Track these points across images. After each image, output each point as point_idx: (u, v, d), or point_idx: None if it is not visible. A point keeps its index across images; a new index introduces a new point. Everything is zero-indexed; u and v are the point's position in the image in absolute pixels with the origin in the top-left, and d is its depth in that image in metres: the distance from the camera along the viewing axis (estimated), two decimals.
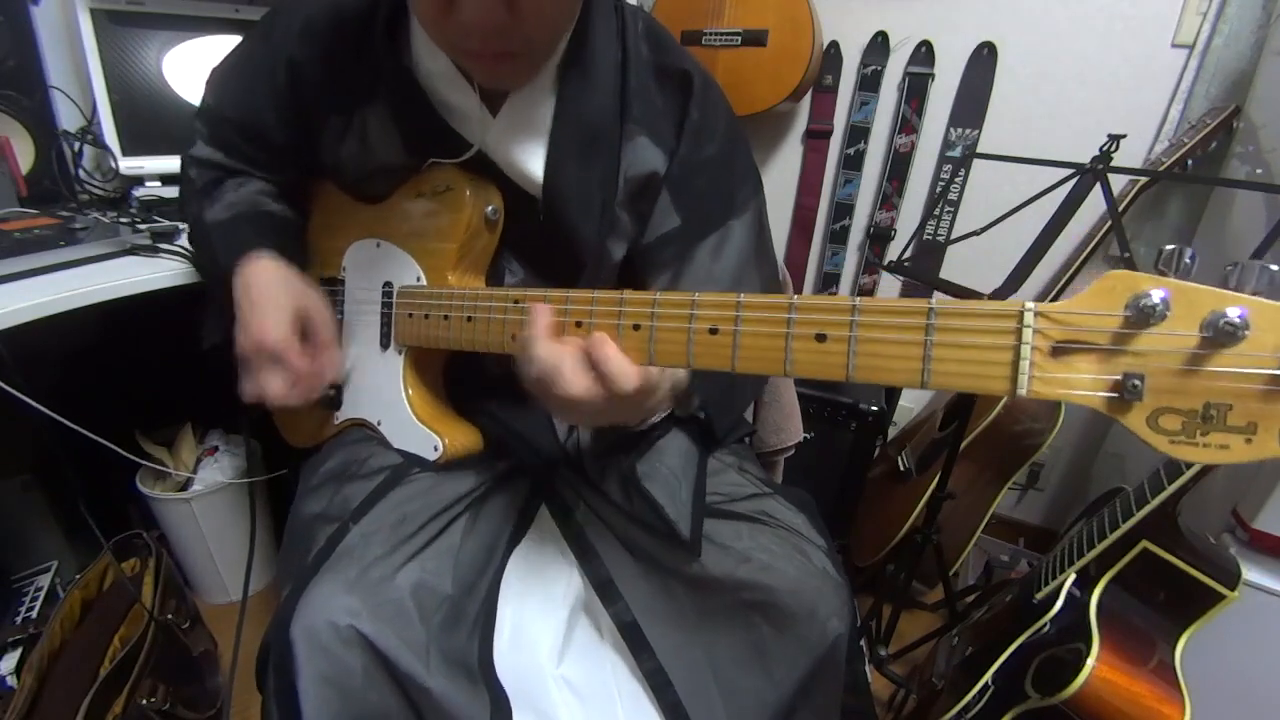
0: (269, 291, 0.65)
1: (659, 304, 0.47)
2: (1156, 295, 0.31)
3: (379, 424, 0.72)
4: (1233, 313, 0.30)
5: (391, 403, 0.70)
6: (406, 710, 0.54)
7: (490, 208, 0.66)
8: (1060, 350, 0.34)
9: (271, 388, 0.63)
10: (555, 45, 0.60)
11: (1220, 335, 0.30)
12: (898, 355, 0.38)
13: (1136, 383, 0.32)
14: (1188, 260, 0.33)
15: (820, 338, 0.40)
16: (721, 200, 0.69)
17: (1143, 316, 0.32)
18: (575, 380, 0.48)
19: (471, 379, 0.74)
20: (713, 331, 0.45)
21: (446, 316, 0.63)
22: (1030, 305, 0.34)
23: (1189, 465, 0.73)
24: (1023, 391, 0.34)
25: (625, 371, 0.47)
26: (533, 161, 0.64)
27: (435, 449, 0.67)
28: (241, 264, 0.66)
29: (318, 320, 0.67)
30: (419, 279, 0.68)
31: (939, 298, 0.37)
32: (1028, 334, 0.34)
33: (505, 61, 0.55)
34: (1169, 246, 0.34)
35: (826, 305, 0.40)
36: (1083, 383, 0.34)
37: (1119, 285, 0.33)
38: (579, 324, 0.51)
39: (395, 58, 0.64)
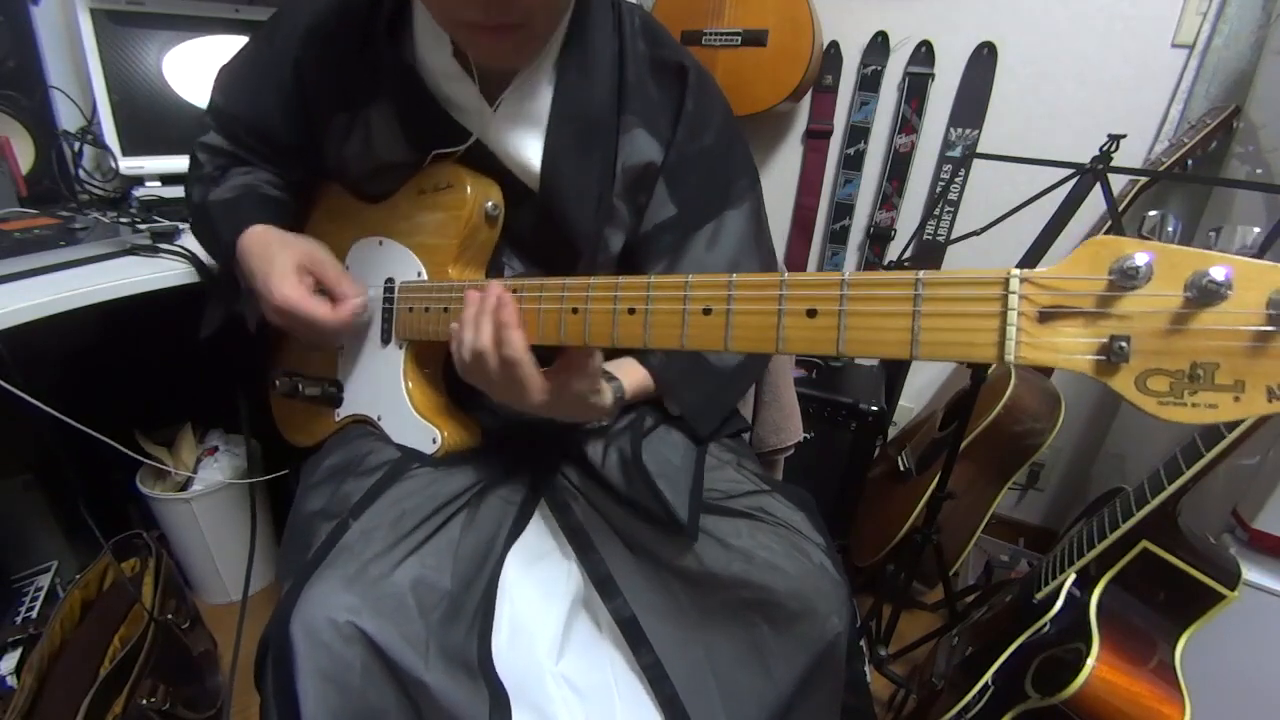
0: (267, 255, 0.66)
1: (653, 287, 0.47)
2: (1140, 258, 0.31)
3: (379, 419, 0.72)
4: (1216, 272, 0.30)
5: (392, 397, 0.71)
6: (406, 706, 0.54)
7: (490, 204, 0.66)
8: (1047, 315, 0.34)
9: (310, 338, 0.66)
10: (555, 20, 0.60)
11: (1204, 295, 0.30)
12: (887, 327, 0.38)
13: (1123, 345, 0.32)
14: (1170, 228, 0.34)
15: (811, 313, 0.41)
16: (717, 191, 0.69)
17: (1127, 279, 0.32)
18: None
19: None
20: (706, 312, 0.45)
21: (446, 309, 0.64)
22: (1016, 272, 0.34)
23: (1188, 466, 0.73)
24: (1010, 358, 0.34)
25: (514, 340, 0.52)
26: (531, 152, 0.65)
27: (434, 441, 0.67)
28: (241, 239, 0.68)
29: (320, 262, 0.68)
30: (420, 274, 0.69)
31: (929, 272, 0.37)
32: (1014, 300, 0.34)
33: (505, 35, 0.55)
34: (1152, 213, 0.34)
35: (816, 281, 0.41)
36: (1070, 346, 0.34)
37: (1103, 250, 0.33)
38: (575, 310, 0.51)
39: (397, 54, 0.65)
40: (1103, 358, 0.33)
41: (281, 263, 0.65)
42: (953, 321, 0.36)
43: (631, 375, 0.66)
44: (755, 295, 0.43)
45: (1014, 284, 0.34)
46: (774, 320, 0.42)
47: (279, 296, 0.64)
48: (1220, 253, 0.31)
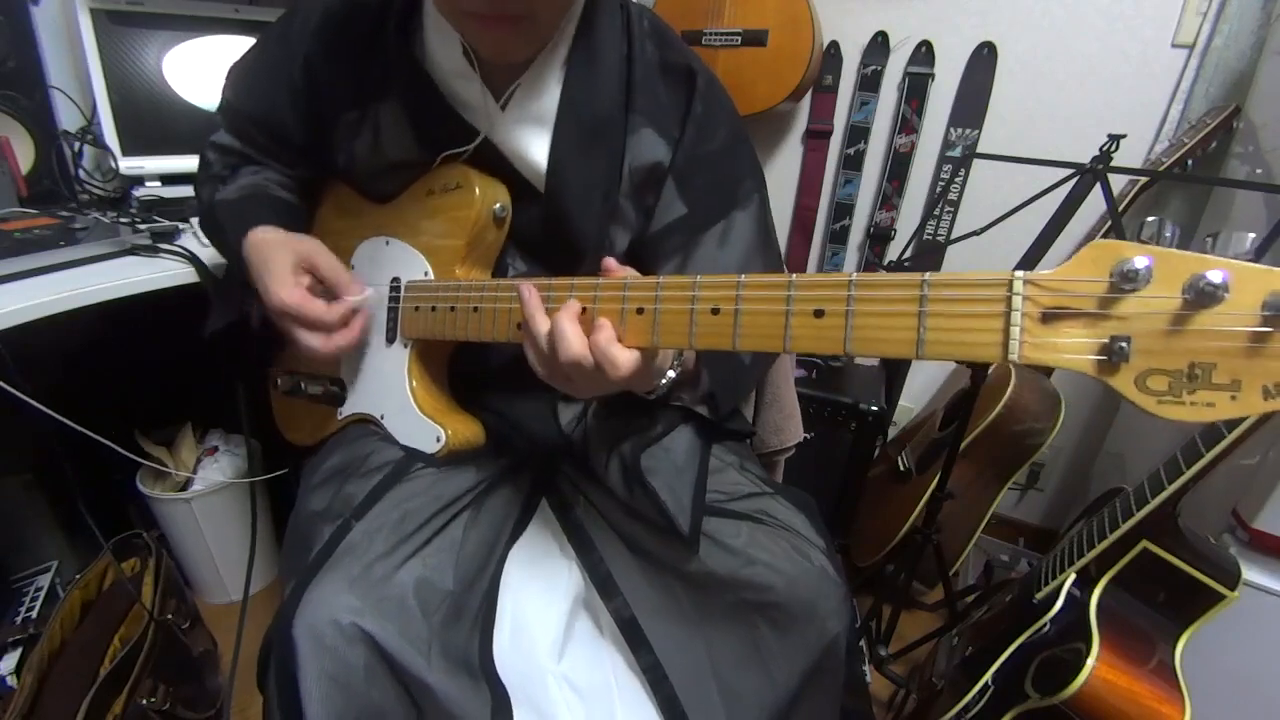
0: (270, 256, 0.66)
1: (662, 287, 0.48)
2: (1140, 261, 0.33)
3: (382, 418, 0.72)
4: (1213, 275, 0.31)
5: (396, 396, 0.70)
6: (408, 707, 0.55)
7: (498, 205, 0.66)
8: (1050, 316, 0.35)
9: (310, 343, 0.64)
10: (559, 13, 0.61)
11: (1201, 297, 0.31)
12: (893, 327, 0.39)
13: (1123, 345, 0.33)
14: (1168, 234, 0.35)
15: (818, 313, 0.42)
16: (726, 192, 0.70)
17: (1127, 281, 0.33)
18: (577, 341, 0.50)
19: (475, 373, 0.74)
20: (714, 311, 0.46)
21: (453, 308, 0.64)
22: (1020, 274, 0.35)
23: (1188, 466, 0.73)
24: (1014, 357, 0.35)
25: (619, 359, 0.49)
26: (537, 151, 0.66)
27: (437, 440, 0.67)
28: (247, 239, 0.68)
29: (319, 261, 0.67)
30: (427, 274, 0.69)
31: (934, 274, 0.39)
32: (1017, 301, 0.35)
33: (508, 26, 0.56)
34: (1150, 218, 0.36)
35: (824, 281, 0.42)
36: (1072, 347, 0.35)
37: (1104, 253, 0.34)
38: (584, 310, 0.52)
39: (407, 52, 0.65)
40: (1104, 358, 0.34)
41: (279, 264, 0.65)
42: (957, 322, 0.37)
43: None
44: (764, 295, 0.44)
45: (1017, 285, 0.35)
46: (782, 320, 0.43)
47: (276, 299, 0.63)
48: (1218, 257, 0.32)
